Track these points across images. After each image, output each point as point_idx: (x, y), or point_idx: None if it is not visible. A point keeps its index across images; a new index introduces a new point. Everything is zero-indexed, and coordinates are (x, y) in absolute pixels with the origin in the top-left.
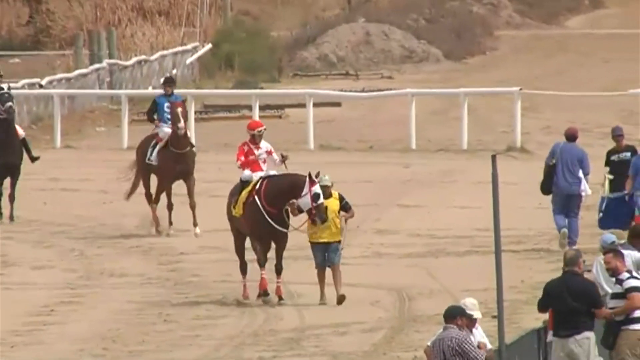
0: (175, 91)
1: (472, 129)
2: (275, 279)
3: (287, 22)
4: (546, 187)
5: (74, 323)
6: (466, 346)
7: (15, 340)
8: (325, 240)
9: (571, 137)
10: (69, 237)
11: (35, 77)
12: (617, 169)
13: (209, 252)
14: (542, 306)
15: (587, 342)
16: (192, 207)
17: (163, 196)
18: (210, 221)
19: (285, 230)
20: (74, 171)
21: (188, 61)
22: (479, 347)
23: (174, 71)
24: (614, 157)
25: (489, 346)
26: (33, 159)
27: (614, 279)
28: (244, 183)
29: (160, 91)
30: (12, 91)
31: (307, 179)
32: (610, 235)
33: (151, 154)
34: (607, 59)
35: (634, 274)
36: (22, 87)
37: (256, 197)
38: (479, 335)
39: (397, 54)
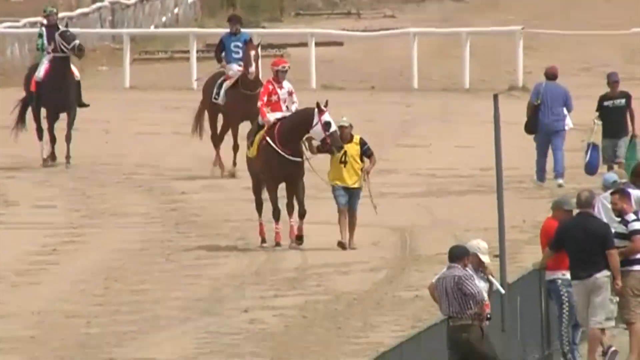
0: (183, 30)
1: (474, 68)
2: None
3: None
4: (531, 126)
5: (75, 262)
6: (464, 283)
7: (17, 280)
8: (350, 185)
9: (552, 76)
10: (71, 176)
11: (37, 16)
12: (611, 115)
13: (210, 191)
14: (556, 246)
15: (607, 281)
16: (235, 149)
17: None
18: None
19: (300, 159)
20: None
21: (190, 0)
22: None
23: (176, 10)
24: (607, 103)
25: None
26: (82, 105)
27: (617, 219)
28: (260, 126)
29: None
30: (14, 30)
31: (316, 108)
32: (612, 175)
33: (217, 93)
34: None
35: None
36: (24, 25)
37: (268, 139)
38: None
39: None
